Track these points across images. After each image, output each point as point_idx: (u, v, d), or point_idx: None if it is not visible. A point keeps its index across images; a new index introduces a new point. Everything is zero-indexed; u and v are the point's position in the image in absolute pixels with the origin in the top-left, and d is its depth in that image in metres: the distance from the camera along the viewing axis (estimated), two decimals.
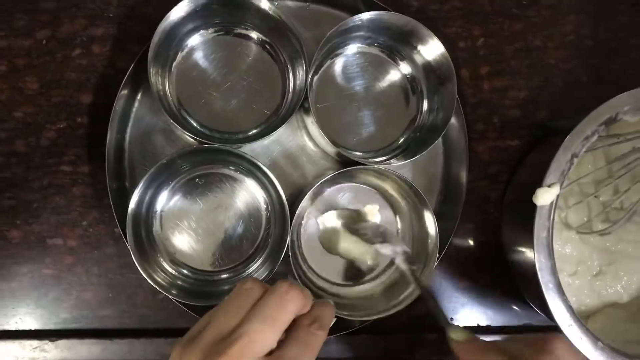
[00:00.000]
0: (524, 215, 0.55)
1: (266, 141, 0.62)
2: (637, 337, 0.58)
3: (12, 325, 0.61)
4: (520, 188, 0.63)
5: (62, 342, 0.60)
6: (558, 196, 0.53)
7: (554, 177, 0.53)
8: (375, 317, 0.59)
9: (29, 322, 0.61)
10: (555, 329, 0.55)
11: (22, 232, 0.61)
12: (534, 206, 0.54)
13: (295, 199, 0.62)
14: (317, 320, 0.42)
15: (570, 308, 0.54)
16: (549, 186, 0.53)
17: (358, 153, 0.64)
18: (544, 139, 0.67)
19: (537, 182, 0.54)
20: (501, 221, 0.66)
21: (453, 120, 0.63)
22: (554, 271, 0.53)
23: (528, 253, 0.56)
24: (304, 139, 0.64)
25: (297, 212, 0.58)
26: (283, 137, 0.64)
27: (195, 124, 0.61)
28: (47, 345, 0.60)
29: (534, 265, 0.54)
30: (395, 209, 0.65)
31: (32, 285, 0.61)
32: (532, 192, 0.54)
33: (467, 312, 0.67)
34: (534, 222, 0.53)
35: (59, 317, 0.62)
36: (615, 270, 0.62)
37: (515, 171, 0.67)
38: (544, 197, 0.53)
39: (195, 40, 0.61)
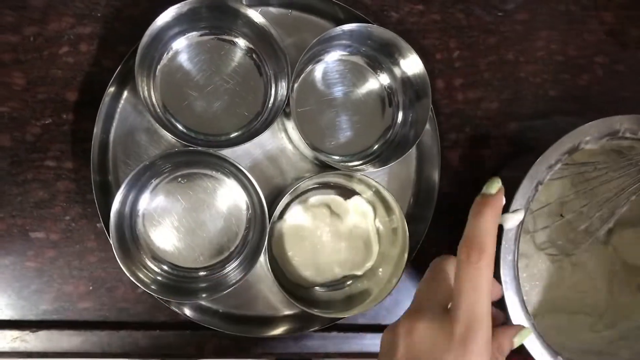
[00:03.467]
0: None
1: (247, 143, 0.64)
2: (593, 347, 0.61)
3: None
4: None
5: (42, 333, 0.62)
6: (523, 221, 0.56)
7: (519, 204, 0.56)
8: (342, 316, 0.62)
9: (10, 312, 0.63)
10: None
11: (5, 224, 0.62)
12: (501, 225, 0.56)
13: (274, 199, 0.65)
14: None
15: (533, 325, 0.56)
16: (514, 212, 0.56)
17: (335, 157, 0.66)
18: (516, 155, 0.70)
19: (507, 199, 0.56)
20: None
21: (427, 127, 0.65)
22: (518, 291, 0.55)
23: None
24: (284, 141, 0.67)
25: (275, 213, 0.61)
26: (264, 140, 0.66)
27: (179, 127, 0.63)
28: (27, 335, 0.62)
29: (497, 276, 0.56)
30: (363, 211, 0.67)
31: (14, 277, 0.63)
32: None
33: None
34: (501, 245, 0.56)
35: (39, 308, 0.63)
36: (575, 284, 0.66)
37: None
38: (509, 221, 0.55)
39: (180, 43, 0.63)
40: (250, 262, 0.60)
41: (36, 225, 0.63)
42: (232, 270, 0.62)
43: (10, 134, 0.63)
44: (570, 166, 0.63)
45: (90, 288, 0.64)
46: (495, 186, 0.45)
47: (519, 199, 0.56)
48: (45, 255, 0.63)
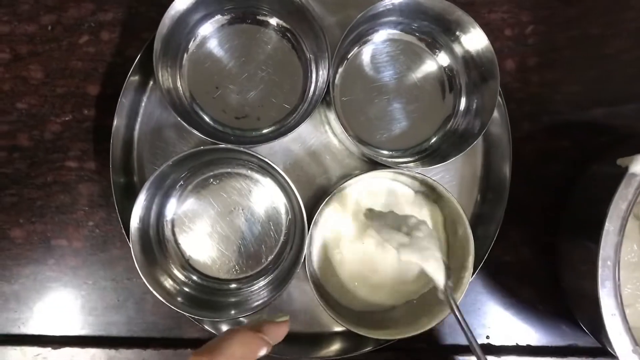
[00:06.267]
0: (590, 232, 0.50)
1: (286, 138, 0.57)
2: None
3: (14, 329, 0.59)
4: (584, 207, 0.58)
5: (65, 350, 0.58)
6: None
7: None
8: (396, 337, 0.54)
9: (32, 326, 0.59)
10: (604, 352, 0.51)
11: (24, 231, 0.59)
12: (602, 223, 0.48)
13: (317, 201, 0.57)
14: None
15: (632, 338, 0.48)
16: None
17: (385, 152, 0.59)
18: (607, 146, 0.60)
19: (606, 198, 0.48)
20: (558, 236, 0.60)
21: (495, 114, 0.57)
22: (621, 309, 0.48)
23: (588, 272, 0.51)
24: (328, 135, 0.59)
25: (316, 218, 0.53)
26: (304, 134, 0.59)
27: (208, 120, 0.57)
28: (49, 352, 0.58)
29: (593, 289, 0.48)
30: (427, 215, 0.59)
31: (35, 288, 0.59)
32: (601, 210, 0.48)
33: (505, 330, 0.61)
34: (616, 192, 0.48)
35: (62, 322, 0.59)
36: None
37: (576, 181, 0.61)
38: (638, 164, 0.48)
39: (207, 28, 0.57)
40: (287, 275, 0.53)
41: (57, 231, 0.59)
42: (266, 284, 0.56)
43: (29, 132, 0.58)
44: None
45: (117, 300, 0.59)
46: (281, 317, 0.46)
47: None
48: (67, 264, 0.59)
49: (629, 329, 0.48)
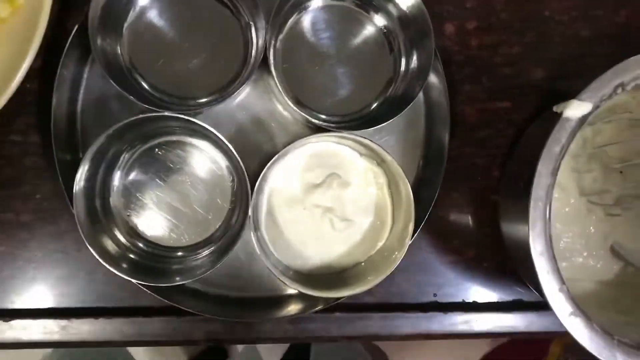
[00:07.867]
0: (526, 184, 0.50)
1: (230, 106, 0.57)
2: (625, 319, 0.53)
3: None
4: (521, 162, 0.58)
5: (16, 322, 0.57)
6: (586, 118, 0.48)
7: (590, 95, 0.48)
8: (346, 295, 0.55)
9: None
10: (547, 306, 0.50)
11: None
12: (532, 180, 0.48)
13: (263, 167, 0.58)
14: None
15: (560, 278, 0.48)
16: (581, 100, 0.48)
17: (329, 117, 0.59)
18: (546, 107, 0.61)
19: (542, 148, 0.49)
20: (499, 193, 0.62)
21: (435, 79, 0.58)
22: (550, 248, 0.48)
23: (523, 221, 0.51)
24: (273, 102, 0.59)
25: (260, 183, 0.54)
26: (250, 102, 0.59)
27: (150, 89, 0.57)
28: (1, 325, 0.57)
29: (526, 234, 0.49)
30: (371, 179, 0.60)
31: None
32: (533, 167, 0.49)
33: (452, 288, 0.62)
34: (549, 135, 0.48)
35: (13, 296, 0.59)
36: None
37: (515, 142, 0.62)
38: (572, 109, 0.48)
39: None
40: (231, 242, 0.53)
41: (5, 206, 0.58)
42: (213, 252, 0.56)
43: None
44: None
45: (68, 272, 0.59)
46: None
47: (592, 92, 0.48)
48: (16, 238, 0.58)
49: (557, 269, 0.48)
